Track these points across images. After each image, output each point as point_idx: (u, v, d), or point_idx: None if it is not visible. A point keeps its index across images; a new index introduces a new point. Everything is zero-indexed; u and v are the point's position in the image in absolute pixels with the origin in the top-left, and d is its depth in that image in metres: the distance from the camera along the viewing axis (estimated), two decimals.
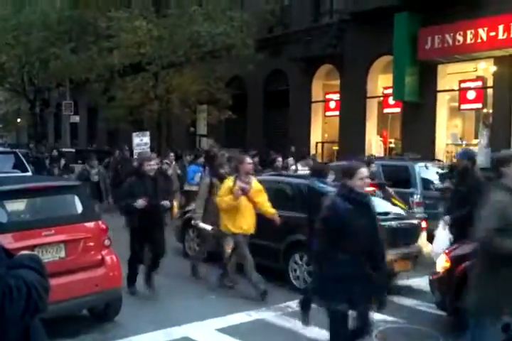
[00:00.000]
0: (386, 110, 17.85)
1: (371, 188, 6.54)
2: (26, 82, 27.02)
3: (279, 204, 7.25)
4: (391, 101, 16.97)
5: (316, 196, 5.81)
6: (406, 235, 7.51)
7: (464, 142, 15.87)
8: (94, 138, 31.32)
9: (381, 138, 18.11)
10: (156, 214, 6.80)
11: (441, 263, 5.67)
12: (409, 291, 7.19)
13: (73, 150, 23.16)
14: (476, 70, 15.45)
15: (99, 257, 5.62)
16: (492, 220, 3.83)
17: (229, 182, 6.95)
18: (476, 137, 15.93)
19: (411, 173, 10.39)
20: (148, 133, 16.15)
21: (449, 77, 15.90)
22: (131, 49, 18.17)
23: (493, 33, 13.56)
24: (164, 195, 7.00)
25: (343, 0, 18.44)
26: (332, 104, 19.49)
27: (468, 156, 6.99)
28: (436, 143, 15.78)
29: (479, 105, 15.16)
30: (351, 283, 4.14)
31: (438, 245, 6.76)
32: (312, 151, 18.70)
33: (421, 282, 7.13)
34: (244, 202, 6.88)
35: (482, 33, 13.80)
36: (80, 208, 5.70)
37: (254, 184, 7.04)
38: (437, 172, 10.83)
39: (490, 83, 14.80)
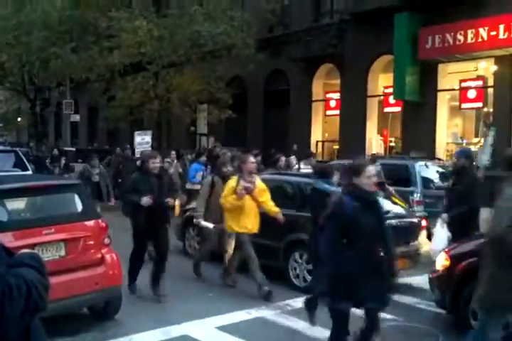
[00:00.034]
0: (386, 109, 17.86)
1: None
2: (27, 81, 27.03)
3: (279, 203, 7.25)
4: (391, 100, 16.99)
5: (321, 197, 5.79)
6: (406, 233, 7.51)
7: (465, 141, 15.88)
8: (94, 138, 31.34)
9: (381, 137, 18.12)
10: (162, 212, 6.70)
11: (441, 262, 5.67)
12: (409, 289, 7.19)
13: (73, 149, 23.19)
14: (476, 70, 15.47)
15: (99, 255, 5.62)
16: (506, 218, 3.82)
17: (232, 182, 6.92)
18: (477, 136, 15.94)
19: (411, 172, 10.39)
20: (150, 132, 16.16)
21: (450, 76, 15.91)
22: (132, 49, 18.17)
23: (493, 33, 13.57)
24: (169, 192, 6.94)
25: (343, 0, 18.45)
26: (332, 103, 19.50)
27: (466, 155, 7.01)
28: (437, 142, 15.79)
29: (480, 104, 15.17)
30: (357, 282, 4.11)
31: (436, 243, 6.77)
32: (312, 150, 18.69)
33: (421, 280, 7.13)
34: (249, 201, 6.86)
35: (483, 32, 13.81)
36: (80, 206, 5.70)
37: (258, 183, 7.02)
38: (437, 171, 10.84)
39: (490, 82, 14.81)
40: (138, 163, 8.60)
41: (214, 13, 18.50)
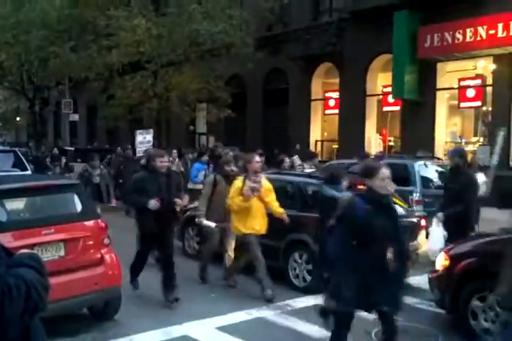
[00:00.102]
0: (385, 108, 17.86)
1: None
2: (25, 80, 26.98)
3: (280, 203, 7.23)
4: (390, 99, 16.99)
5: (328, 201, 5.74)
6: (405, 233, 7.49)
7: (464, 140, 15.89)
8: (93, 137, 31.34)
9: (380, 137, 18.13)
10: (170, 213, 6.43)
11: (441, 261, 5.67)
12: (409, 289, 7.17)
13: (72, 148, 23.17)
14: (475, 68, 15.47)
15: (99, 256, 5.61)
16: None
17: (238, 182, 6.80)
18: (476, 135, 15.95)
19: (410, 171, 10.38)
20: (151, 131, 16.08)
21: (449, 75, 15.91)
22: (131, 47, 18.17)
23: (492, 31, 13.58)
24: (177, 192, 6.75)
25: None
26: (331, 102, 19.50)
27: (460, 154, 7.00)
28: (436, 141, 15.80)
29: (479, 103, 15.18)
30: (368, 285, 4.05)
31: (433, 242, 6.75)
32: (314, 150, 18.69)
33: (420, 280, 7.12)
34: (256, 202, 6.76)
35: (481, 31, 13.81)
36: (79, 207, 5.69)
37: (265, 183, 6.92)
38: (436, 171, 10.83)
39: (489, 81, 14.81)
40: (142, 161, 8.37)
41: (213, 12, 18.49)
